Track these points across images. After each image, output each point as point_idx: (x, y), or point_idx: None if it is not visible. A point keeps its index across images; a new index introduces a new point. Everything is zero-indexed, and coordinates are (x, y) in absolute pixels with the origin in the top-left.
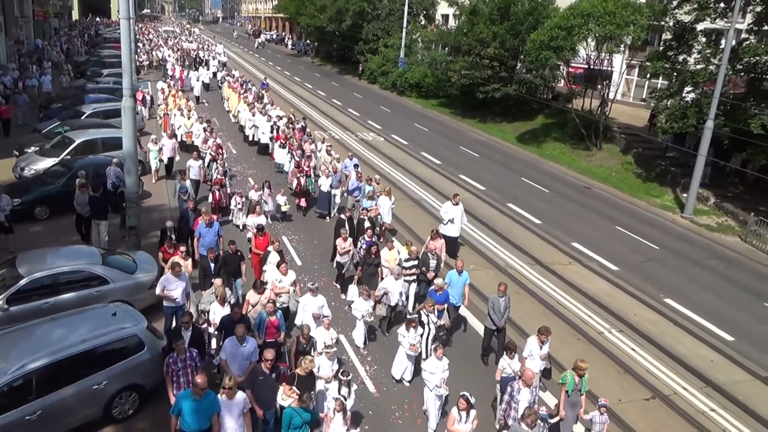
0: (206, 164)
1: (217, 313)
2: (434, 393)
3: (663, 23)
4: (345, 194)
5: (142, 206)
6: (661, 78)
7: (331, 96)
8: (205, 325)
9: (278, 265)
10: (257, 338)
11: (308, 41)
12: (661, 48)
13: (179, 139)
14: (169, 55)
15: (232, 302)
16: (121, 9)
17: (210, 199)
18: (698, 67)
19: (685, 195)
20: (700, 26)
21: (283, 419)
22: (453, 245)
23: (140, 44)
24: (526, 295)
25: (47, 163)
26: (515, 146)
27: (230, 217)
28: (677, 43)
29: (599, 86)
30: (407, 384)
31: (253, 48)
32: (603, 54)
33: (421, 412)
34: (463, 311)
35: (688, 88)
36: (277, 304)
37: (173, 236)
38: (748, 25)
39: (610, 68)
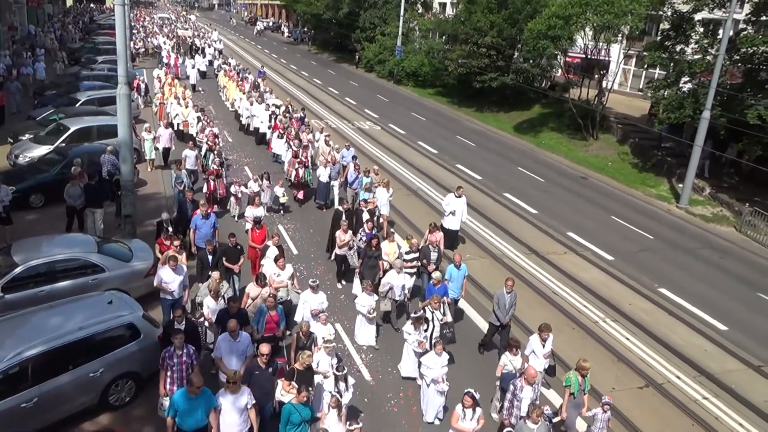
0: (203, 154)
1: (211, 307)
2: (435, 389)
3: (661, 13)
4: (343, 186)
5: (138, 195)
6: (658, 68)
7: (327, 84)
8: (201, 319)
9: (276, 260)
10: (256, 332)
11: (305, 29)
12: (658, 38)
13: (176, 128)
14: (164, 42)
15: (229, 296)
16: None
17: (204, 190)
18: (695, 57)
19: (680, 185)
20: (698, 16)
21: (282, 415)
22: (453, 238)
23: (135, 31)
24: (521, 285)
25: (42, 150)
26: (512, 136)
27: (228, 208)
28: (675, 33)
29: (596, 76)
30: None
31: (249, 35)
32: (600, 43)
33: (416, 400)
34: (462, 304)
35: (685, 79)
36: (276, 299)
37: (169, 228)
38: (746, 15)
39: (607, 58)
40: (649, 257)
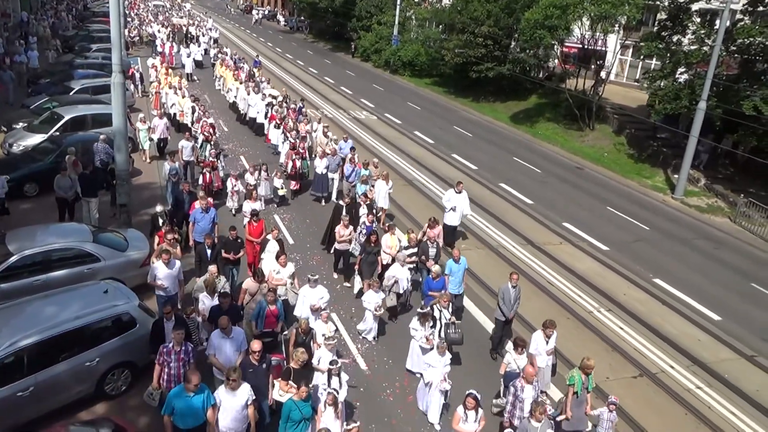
0: (199, 145)
1: (206, 303)
2: (437, 387)
3: (658, 2)
4: (341, 179)
5: (133, 184)
6: (655, 59)
7: (323, 74)
8: (194, 315)
9: (277, 257)
10: (255, 328)
11: (301, 17)
12: (655, 28)
13: (172, 118)
14: (158, 31)
15: (226, 290)
16: None
17: (200, 182)
18: (692, 48)
19: (676, 176)
20: (695, 6)
21: (282, 412)
22: (452, 234)
23: (129, 19)
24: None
25: (36, 139)
26: (508, 126)
27: (226, 201)
28: (672, 23)
29: (593, 66)
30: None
31: (244, 24)
32: (597, 34)
33: (412, 388)
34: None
35: (681, 69)
36: (276, 294)
37: (165, 220)
38: (743, 5)
39: (604, 48)
40: (644, 248)
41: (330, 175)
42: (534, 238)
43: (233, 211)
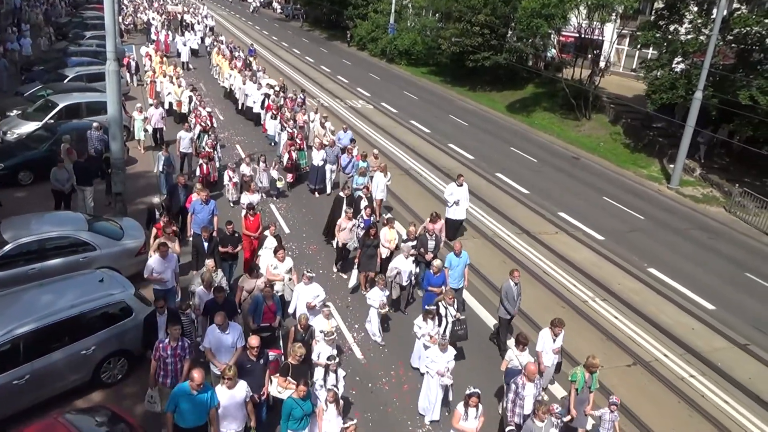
0: (196, 135)
1: (203, 298)
2: (438, 382)
3: None
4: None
5: (128, 173)
6: (652, 48)
7: (319, 62)
8: (188, 310)
9: (276, 251)
10: (252, 323)
11: (297, 5)
12: (652, 17)
13: (166, 107)
14: (153, 18)
15: (223, 285)
16: None
17: (197, 173)
18: (689, 37)
19: (671, 166)
20: None
21: (283, 411)
22: (456, 228)
23: (124, 6)
24: (512, 264)
25: (30, 127)
26: (504, 115)
27: (223, 193)
28: (669, 12)
29: (590, 56)
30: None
31: (240, 12)
32: (594, 23)
33: (408, 377)
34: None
35: (678, 59)
36: (273, 288)
37: (162, 212)
38: None
39: (601, 38)
40: (639, 237)
41: (327, 166)
42: (529, 228)
43: (232, 203)
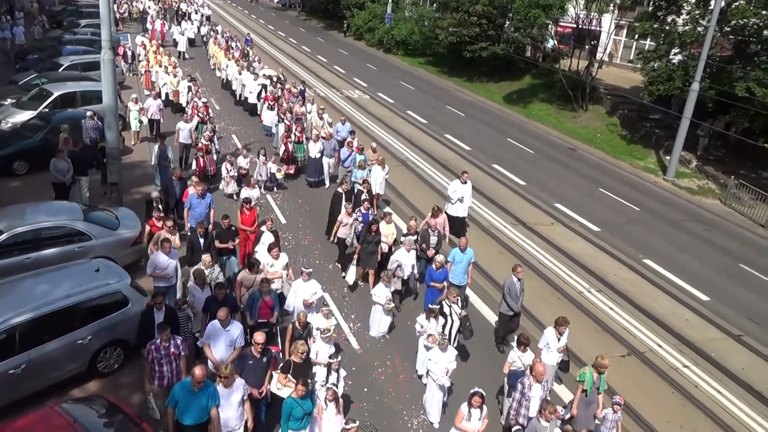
0: (194, 127)
1: (196, 296)
2: (436, 383)
3: None
4: (338, 164)
5: (123, 163)
6: (649, 39)
7: (316, 52)
8: (184, 306)
9: (270, 249)
10: (249, 319)
11: None
12: (650, 8)
13: (162, 98)
14: (149, 7)
15: (220, 281)
16: None
17: (194, 166)
18: (686, 28)
19: (668, 158)
20: None
21: (283, 410)
22: (460, 225)
23: None
24: (508, 255)
25: (25, 116)
26: (501, 106)
27: (220, 186)
28: (666, 3)
29: (587, 47)
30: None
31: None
32: (592, 13)
33: (403, 368)
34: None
35: (675, 50)
36: (270, 284)
37: (160, 206)
38: None
39: (598, 28)
40: (635, 229)
41: (325, 159)
42: (525, 219)
43: (229, 196)
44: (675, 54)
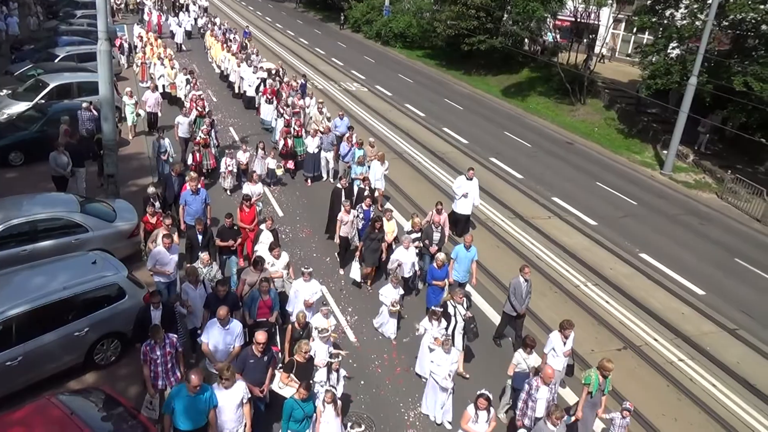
0: (192, 120)
1: (190, 294)
2: (438, 384)
3: None
4: (336, 159)
5: (120, 154)
6: (647, 33)
7: (313, 44)
8: (176, 304)
9: (271, 249)
10: (248, 318)
11: None
12: (648, 2)
13: (160, 90)
14: None
15: (218, 279)
16: None
17: (189, 161)
18: (684, 22)
19: (665, 152)
20: None
21: (284, 411)
22: (464, 223)
23: None
24: (505, 249)
25: (21, 107)
26: (499, 99)
27: (219, 181)
28: None
29: (585, 40)
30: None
31: None
32: (591, 7)
33: (400, 360)
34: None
35: (673, 44)
36: (269, 283)
37: (156, 203)
38: None
39: (597, 22)
40: (631, 223)
41: (323, 154)
42: (523, 212)
43: (228, 192)
44: (673, 48)
